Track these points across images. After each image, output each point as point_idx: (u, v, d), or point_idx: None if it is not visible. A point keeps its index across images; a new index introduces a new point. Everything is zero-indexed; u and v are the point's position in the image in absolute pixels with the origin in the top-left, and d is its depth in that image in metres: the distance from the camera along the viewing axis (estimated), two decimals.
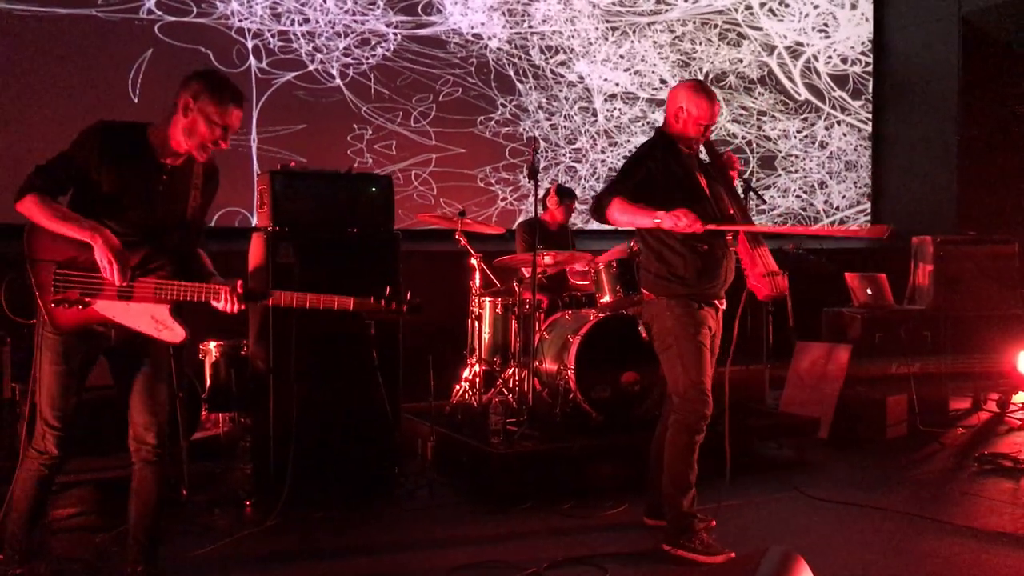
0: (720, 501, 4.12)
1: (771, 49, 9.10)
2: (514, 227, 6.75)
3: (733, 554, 3.84)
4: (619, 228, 4.26)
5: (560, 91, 8.00)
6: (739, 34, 8.91)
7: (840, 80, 9.52)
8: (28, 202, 3.04)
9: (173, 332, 3.18)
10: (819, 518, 4.46)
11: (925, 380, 6.24)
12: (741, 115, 8.96)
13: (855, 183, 9.66)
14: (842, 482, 5.09)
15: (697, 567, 3.80)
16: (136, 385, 3.24)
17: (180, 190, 3.24)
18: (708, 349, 3.90)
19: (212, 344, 5.23)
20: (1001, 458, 5.39)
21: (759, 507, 4.58)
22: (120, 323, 3.12)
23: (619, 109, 8.26)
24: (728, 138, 8.86)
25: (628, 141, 8.23)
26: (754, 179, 8.85)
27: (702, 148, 4.11)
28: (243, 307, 3.20)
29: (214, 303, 3.17)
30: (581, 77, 8.07)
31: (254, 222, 6.45)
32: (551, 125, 7.97)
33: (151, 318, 3.13)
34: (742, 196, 4.05)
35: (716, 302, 3.95)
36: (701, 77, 8.59)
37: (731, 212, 3.90)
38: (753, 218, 4.11)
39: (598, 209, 3.82)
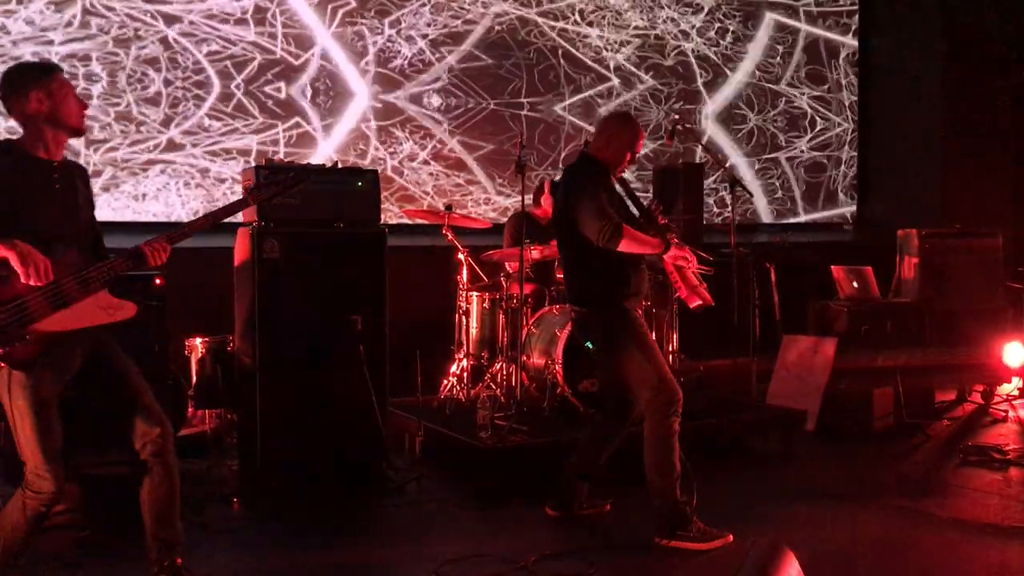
0: (705, 493, 4.13)
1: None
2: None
3: (731, 536, 3.88)
4: None
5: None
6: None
7: (826, 73, 9.54)
8: None
9: (124, 309, 3.11)
10: (806, 510, 4.47)
11: (911, 372, 6.25)
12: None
13: (841, 176, 9.70)
14: (829, 474, 5.10)
15: (694, 556, 3.81)
16: (119, 390, 3.16)
17: (72, 187, 3.14)
18: None
19: (198, 340, 5.21)
20: (986, 450, 5.42)
21: (746, 499, 4.59)
22: (74, 328, 2.99)
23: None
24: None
25: None
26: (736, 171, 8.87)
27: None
28: (168, 251, 3.10)
29: (143, 264, 3.06)
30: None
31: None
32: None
33: (98, 308, 3.04)
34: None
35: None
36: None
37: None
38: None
39: (611, 243, 3.90)
